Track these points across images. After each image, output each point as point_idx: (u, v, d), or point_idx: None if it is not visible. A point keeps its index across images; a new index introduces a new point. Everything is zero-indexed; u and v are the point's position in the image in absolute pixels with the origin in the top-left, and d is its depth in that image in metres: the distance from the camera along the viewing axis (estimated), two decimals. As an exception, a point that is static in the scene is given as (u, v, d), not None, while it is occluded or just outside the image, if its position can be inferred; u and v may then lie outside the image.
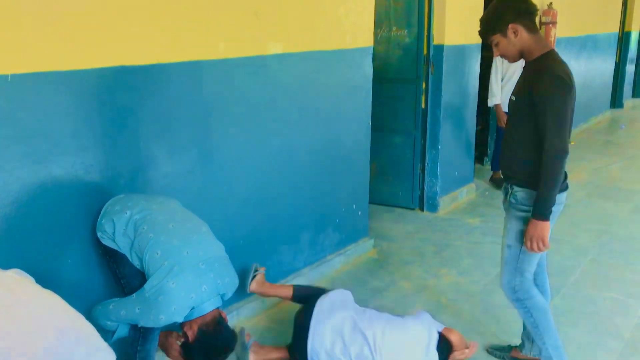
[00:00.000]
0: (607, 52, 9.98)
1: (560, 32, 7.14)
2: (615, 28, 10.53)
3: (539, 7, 2.52)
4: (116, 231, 2.26)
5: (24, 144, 2.23)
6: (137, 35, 2.54)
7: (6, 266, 1.64)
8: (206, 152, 2.96)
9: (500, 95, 5.56)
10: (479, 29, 2.53)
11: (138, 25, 2.53)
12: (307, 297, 2.90)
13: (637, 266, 4.12)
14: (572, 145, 2.53)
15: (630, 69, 12.48)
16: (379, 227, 4.89)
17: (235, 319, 3.23)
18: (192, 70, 2.81)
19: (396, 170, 5.36)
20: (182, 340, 2.33)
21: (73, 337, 1.71)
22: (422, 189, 5.32)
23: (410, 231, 4.89)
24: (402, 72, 5.12)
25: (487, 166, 7.06)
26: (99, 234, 2.31)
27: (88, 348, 1.75)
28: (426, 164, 5.24)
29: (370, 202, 4.44)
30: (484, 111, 6.66)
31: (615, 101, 11.89)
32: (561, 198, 2.50)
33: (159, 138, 2.72)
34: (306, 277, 3.75)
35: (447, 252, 4.43)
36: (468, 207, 5.54)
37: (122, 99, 2.54)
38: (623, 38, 11.51)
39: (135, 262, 2.24)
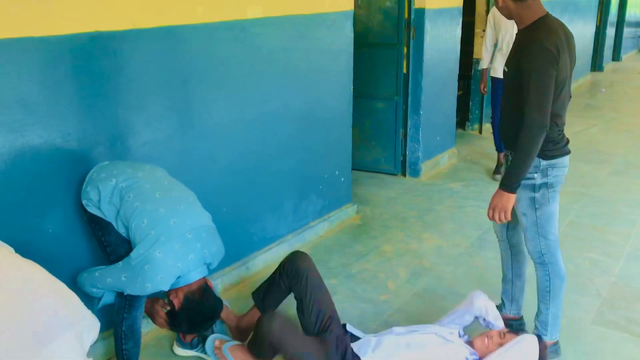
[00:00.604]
0: (587, 16, 9.99)
1: (541, -5, 7.10)
2: (596, -9, 10.53)
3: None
4: (102, 199, 2.24)
5: (-1, 113, 2.18)
6: (111, 0, 2.47)
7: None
8: (186, 119, 2.93)
9: (491, 61, 5.31)
10: None
11: (112, -11, 2.47)
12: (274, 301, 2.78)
13: (615, 227, 4.19)
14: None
15: (610, 32, 12.53)
16: (362, 193, 4.91)
17: (220, 286, 3.25)
18: (170, 35, 2.76)
19: (378, 136, 5.37)
20: (168, 308, 2.34)
21: (56, 306, 1.71)
22: (405, 155, 5.34)
23: (392, 196, 4.92)
24: (384, 36, 5.08)
25: (469, 130, 7.10)
26: (83, 202, 2.29)
27: (72, 316, 1.75)
28: (408, 130, 5.24)
29: (353, 169, 4.45)
30: (466, 76, 6.65)
31: (596, 64, 11.95)
32: (564, 161, 2.53)
33: (138, 105, 2.68)
34: (289, 244, 3.77)
35: (429, 216, 4.48)
36: (450, 171, 5.58)
37: (98, 66, 2.49)
38: (603, 2, 11.51)
39: (122, 230, 2.23)
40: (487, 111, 6.67)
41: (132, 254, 2.14)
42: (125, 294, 2.21)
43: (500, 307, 2.97)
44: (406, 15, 4.94)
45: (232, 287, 3.32)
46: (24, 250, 1.89)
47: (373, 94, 5.24)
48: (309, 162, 3.88)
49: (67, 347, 1.64)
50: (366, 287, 3.38)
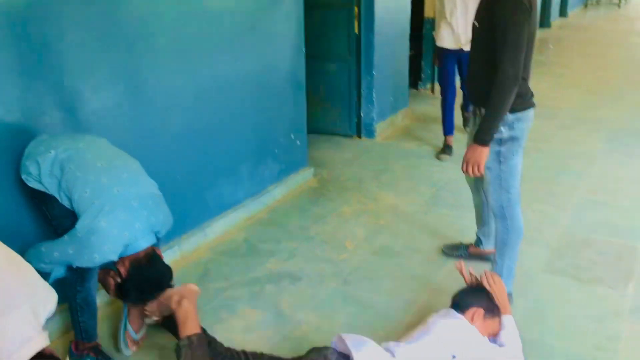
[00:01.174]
0: (535, -28, 10.07)
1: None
2: (543, -53, 10.62)
3: None
4: (42, 172, 2.17)
5: None
6: (47, -38, 2.36)
7: None
8: (134, 86, 2.85)
9: (434, 28, 5.05)
10: None
11: (48, -50, 2.35)
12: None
13: (563, 179, 4.34)
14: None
15: (557, -12, 12.71)
16: (318, 155, 4.92)
17: (178, 253, 3.23)
18: (112, -1, 2.66)
19: (333, 98, 5.36)
20: (119, 279, 2.31)
21: (8, 280, 1.68)
22: (359, 116, 5.36)
23: (349, 158, 4.95)
24: (334, -4, 5.03)
25: (422, 90, 7.16)
26: (23, 177, 2.22)
27: (25, 290, 1.72)
28: (362, 91, 5.25)
29: (308, 132, 4.44)
30: (417, 36, 6.67)
31: (544, 21, 12.14)
32: (530, 115, 2.58)
33: (83, 73, 2.59)
34: (247, 209, 3.77)
35: (385, 176, 4.53)
36: (404, 131, 5.64)
37: (37, 33, 2.38)
38: (551, -43, 11.64)
39: (65, 203, 2.17)
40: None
41: (77, 226, 2.09)
42: (74, 266, 2.17)
43: (477, 244, 3.16)
44: (356, -25, 4.89)
45: (191, 254, 3.31)
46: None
47: (326, 56, 5.21)
48: (264, 126, 3.85)
49: (20, 321, 1.61)
50: (325, 248, 3.42)
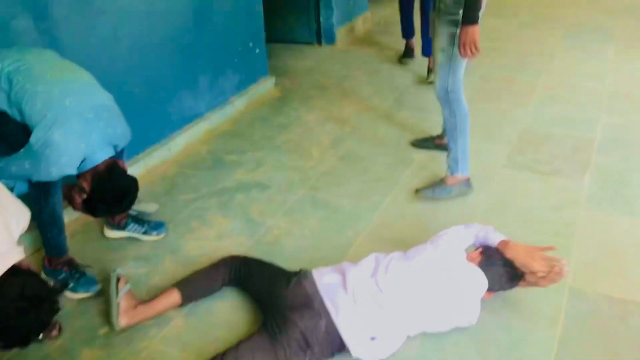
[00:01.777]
0: None
1: None
2: None
3: None
4: None
5: None
6: None
7: None
8: (81, -6, 2.70)
9: None
10: None
11: None
12: (201, 290, 2.28)
13: (523, 77, 4.38)
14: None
15: None
16: (279, 65, 4.83)
17: (143, 168, 3.20)
18: None
19: (291, 5, 5.20)
20: (85, 195, 2.27)
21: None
22: (319, 22, 5.23)
23: (310, 66, 4.87)
24: None
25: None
26: None
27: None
28: (320, -4, 5.09)
29: (268, 41, 4.32)
30: None
31: None
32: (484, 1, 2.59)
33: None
34: (210, 121, 3.72)
35: (347, 82, 4.49)
36: (365, 37, 5.55)
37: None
38: None
39: (17, 117, 2.09)
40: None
41: (31, 139, 2.03)
42: (33, 181, 2.13)
43: (443, 136, 3.29)
44: None
45: (155, 169, 3.28)
46: None
47: (281, -41, 5.00)
48: (220, 35, 3.73)
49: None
50: (292, 157, 3.43)
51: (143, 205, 2.85)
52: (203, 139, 3.65)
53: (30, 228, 2.34)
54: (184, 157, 3.45)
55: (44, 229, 2.28)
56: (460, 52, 2.57)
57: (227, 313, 2.25)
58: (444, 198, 2.91)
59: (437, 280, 2.03)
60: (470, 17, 2.49)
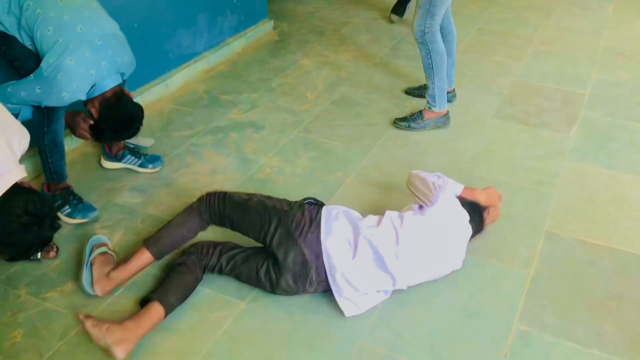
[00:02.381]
0: None
1: None
2: None
3: None
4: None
5: None
6: None
7: None
8: None
9: None
10: None
11: None
12: (172, 244, 2.14)
13: (520, 32, 4.40)
14: None
15: None
16: (278, 9, 4.82)
17: (140, 103, 3.24)
18: None
19: (292, -53, 5.13)
20: (91, 122, 2.35)
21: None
22: (320, -33, 5.18)
23: (309, 11, 4.87)
24: None
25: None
26: None
27: (1, 129, 1.76)
28: (322, -61, 5.03)
29: (268, -17, 4.32)
30: None
31: None
32: None
33: None
34: (207, 60, 3.75)
35: (345, 29, 4.50)
36: (366, -16, 5.51)
37: None
38: None
39: (27, 43, 2.14)
40: None
41: (43, 64, 2.09)
42: (42, 106, 2.19)
43: None
44: None
45: (153, 105, 3.33)
46: None
47: None
48: (221, -26, 3.73)
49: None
50: (287, 99, 3.49)
51: (140, 139, 2.92)
52: (200, 78, 3.69)
53: (30, 154, 2.44)
54: (181, 95, 3.50)
55: (45, 154, 2.35)
56: None
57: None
58: (418, 130, 3.11)
59: (444, 232, 2.08)
60: None
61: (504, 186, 2.67)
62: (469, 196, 2.24)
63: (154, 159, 2.80)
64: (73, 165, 2.76)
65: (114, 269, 2.09)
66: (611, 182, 2.72)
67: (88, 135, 2.37)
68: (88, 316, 1.91)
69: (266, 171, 2.82)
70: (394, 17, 4.64)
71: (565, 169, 2.81)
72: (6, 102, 2.14)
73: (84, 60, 2.11)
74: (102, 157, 2.78)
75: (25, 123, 2.24)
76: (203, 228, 2.18)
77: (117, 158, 2.75)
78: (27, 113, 2.22)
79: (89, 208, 2.46)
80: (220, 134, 3.11)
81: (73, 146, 2.82)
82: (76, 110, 2.39)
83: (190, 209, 2.17)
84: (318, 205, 2.15)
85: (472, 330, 1.98)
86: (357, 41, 4.28)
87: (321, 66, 3.91)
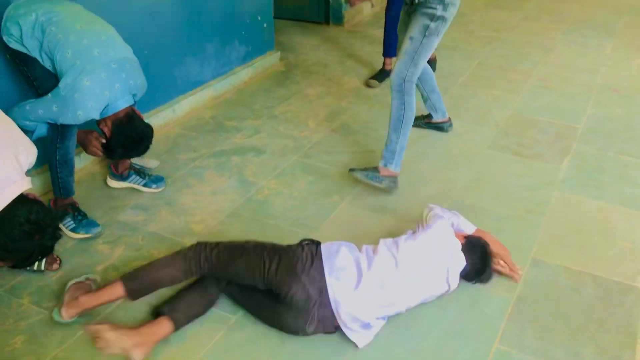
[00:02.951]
0: None
1: None
2: None
3: None
4: (23, 34, 2.27)
5: None
6: None
7: None
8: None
9: None
10: None
11: None
12: (148, 286, 2.09)
13: (519, 67, 4.52)
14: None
15: None
16: (286, 40, 4.99)
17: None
18: None
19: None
20: (103, 140, 2.49)
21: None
22: (328, 3, 5.38)
23: (316, 44, 5.03)
24: None
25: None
26: (5, 38, 2.32)
27: (7, 139, 1.89)
28: (330, -24, 5.23)
29: (277, 17, 4.49)
30: None
31: None
32: (458, 1, 2.75)
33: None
34: (214, 88, 3.90)
35: (349, 62, 4.65)
36: (372, 19, 5.69)
37: None
38: None
39: (47, 64, 2.30)
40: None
41: (61, 84, 2.24)
42: (58, 124, 2.33)
43: (430, 117, 3.50)
44: None
45: (160, 128, 3.47)
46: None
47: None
48: (230, 6, 3.90)
49: (4, 162, 1.79)
50: (288, 126, 3.61)
51: (146, 160, 3.05)
52: (206, 105, 3.84)
53: (40, 171, 2.56)
54: (187, 120, 3.64)
55: (55, 169, 2.48)
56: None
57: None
58: (373, 185, 2.85)
59: (431, 251, 2.16)
60: None
61: (494, 214, 2.75)
62: (487, 238, 2.33)
63: (157, 180, 2.92)
64: (80, 184, 2.88)
65: (84, 294, 2.09)
66: (599, 213, 2.79)
67: (99, 152, 2.51)
68: (102, 322, 2.00)
69: (264, 193, 2.92)
70: (373, 81, 4.21)
71: (554, 199, 2.89)
72: (24, 119, 2.28)
73: (99, 82, 2.25)
74: (108, 176, 2.91)
75: (40, 139, 2.38)
76: (187, 278, 2.09)
77: (123, 177, 2.87)
78: (42, 130, 2.37)
79: (93, 224, 2.57)
80: (222, 157, 3.23)
81: (81, 165, 2.95)
82: (89, 129, 2.53)
83: (176, 255, 2.09)
84: (315, 243, 2.14)
85: (453, 349, 2.05)
86: (360, 73, 4.42)
87: (324, 96, 4.04)
